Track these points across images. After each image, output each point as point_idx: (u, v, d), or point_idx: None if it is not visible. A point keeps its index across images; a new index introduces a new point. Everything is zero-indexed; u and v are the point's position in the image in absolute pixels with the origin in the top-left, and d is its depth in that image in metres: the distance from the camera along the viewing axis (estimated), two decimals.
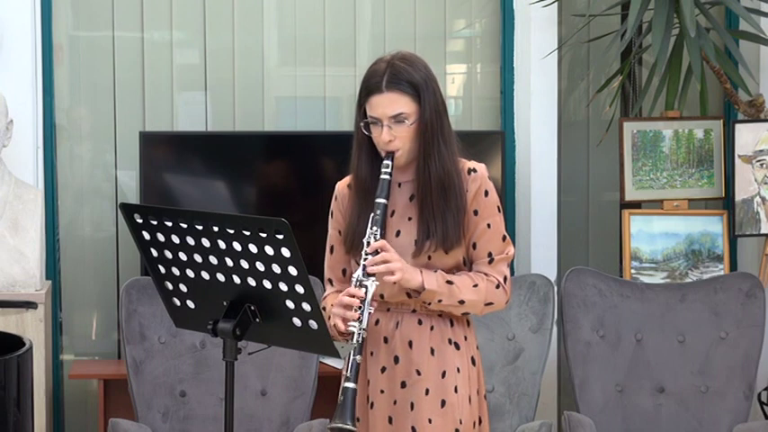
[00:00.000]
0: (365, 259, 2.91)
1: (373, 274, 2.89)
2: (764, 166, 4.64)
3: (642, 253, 4.66)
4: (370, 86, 2.95)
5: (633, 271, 4.63)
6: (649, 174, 4.69)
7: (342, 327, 2.88)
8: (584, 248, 5.23)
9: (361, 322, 2.87)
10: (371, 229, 2.92)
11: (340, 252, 3.08)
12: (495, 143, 4.73)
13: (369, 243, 2.92)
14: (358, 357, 2.86)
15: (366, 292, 2.88)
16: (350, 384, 2.85)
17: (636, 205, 4.74)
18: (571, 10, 5.08)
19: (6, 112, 4.34)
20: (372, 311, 2.91)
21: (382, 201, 2.94)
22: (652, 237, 4.67)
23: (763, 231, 4.67)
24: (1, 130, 4.29)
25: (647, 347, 4.33)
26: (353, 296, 2.88)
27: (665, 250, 4.67)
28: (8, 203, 4.35)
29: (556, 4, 4.72)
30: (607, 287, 4.37)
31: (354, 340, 2.86)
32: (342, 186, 3.12)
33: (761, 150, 4.64)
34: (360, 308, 2.87)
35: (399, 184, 3.03)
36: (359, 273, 2.91)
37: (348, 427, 2.80)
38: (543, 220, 4.83)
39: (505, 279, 3.01)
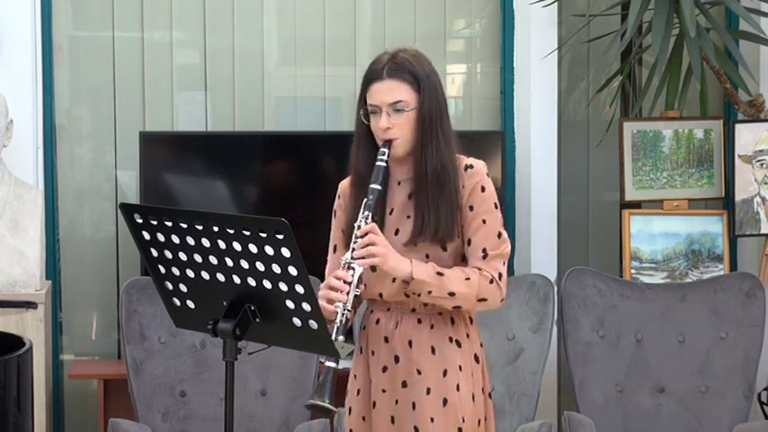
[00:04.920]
0: (355, 242, 2.90)
1: (362, 257, 2.88)
2: (764, 166, 4.64)
3: (642, 253, 4.66)
4: (371, 75, 2.96)
5: (633, 271, 4.63)
6: (649, 174, 4.69)
7: (329, 307, 2.86)
8: (584, 248, 5.23)
9: (345, 303, 2.85)
10: (363, 213, 2.91)
11: (342, 251, 3.06)
12: (495, 143, 4.73)
13: (359, 227, 2.90)
14: (341, 338, 2.84)
15: (353, 275, 2.87)
16: (331, 363, 2.83)
17: (636, 205, 4.74)
18: (571, 10, 5.08)
19: (6, 112, 4.34)
20: (359, 293, 2.91)
21: (376, 186, 2.93)
22: (652, 237, 4.67)
23: (763, 231, 4.66)
24: (1, 130, 4.29)
25: (647, 347, 4.33)
26: (340, 278, 2.88)
27: (665, 250, 4.67)
28: (8, 203, 4.35)
29: (556, 4, 4.72)
30: (607, 287, 4.37)
31: (337, 320, 2.85)
32: (344, 185, 3.11)
33: (761, 150, 4.64)
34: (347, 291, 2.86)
35: (399, 183, 3.02)
36: (347, 256, 2.90)
37: (326, 405, 2.78)
38: (543, 220, 4.83)
39: (500, 276, 2.95)
